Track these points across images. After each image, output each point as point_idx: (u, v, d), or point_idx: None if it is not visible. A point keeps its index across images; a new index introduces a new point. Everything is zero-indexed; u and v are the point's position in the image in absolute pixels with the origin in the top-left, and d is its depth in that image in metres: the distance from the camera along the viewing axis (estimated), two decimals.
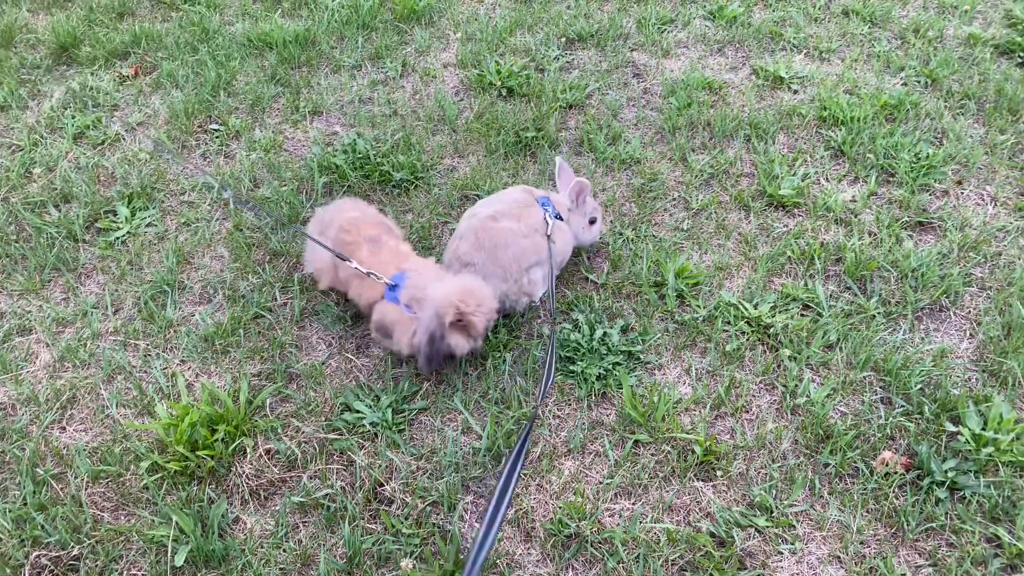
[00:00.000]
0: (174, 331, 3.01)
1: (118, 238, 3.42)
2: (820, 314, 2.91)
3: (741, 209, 3.39)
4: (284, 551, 2.32)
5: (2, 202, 3.58)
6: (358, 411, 2.66)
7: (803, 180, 3.45)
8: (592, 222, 3.08)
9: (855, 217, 3.30)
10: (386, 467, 2.51)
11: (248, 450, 2.57)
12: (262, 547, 2.33)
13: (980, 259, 3.11)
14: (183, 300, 3.14)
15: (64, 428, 2.71)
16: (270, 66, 4.38)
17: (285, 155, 3.82)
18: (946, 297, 2.97)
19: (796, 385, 2.68)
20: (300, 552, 2.31)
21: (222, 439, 2.55)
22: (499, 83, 4.09)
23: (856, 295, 2.99)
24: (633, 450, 2.54)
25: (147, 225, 3.47)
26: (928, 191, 3.42)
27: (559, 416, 2.66)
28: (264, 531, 2.38)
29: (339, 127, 3.99)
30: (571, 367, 2.76)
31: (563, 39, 4.46)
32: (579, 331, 2.85)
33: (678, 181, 3.54)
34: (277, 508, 2.43)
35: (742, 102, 3.95)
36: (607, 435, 2.58)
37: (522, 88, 4.07)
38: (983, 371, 2.73)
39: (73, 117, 4.14)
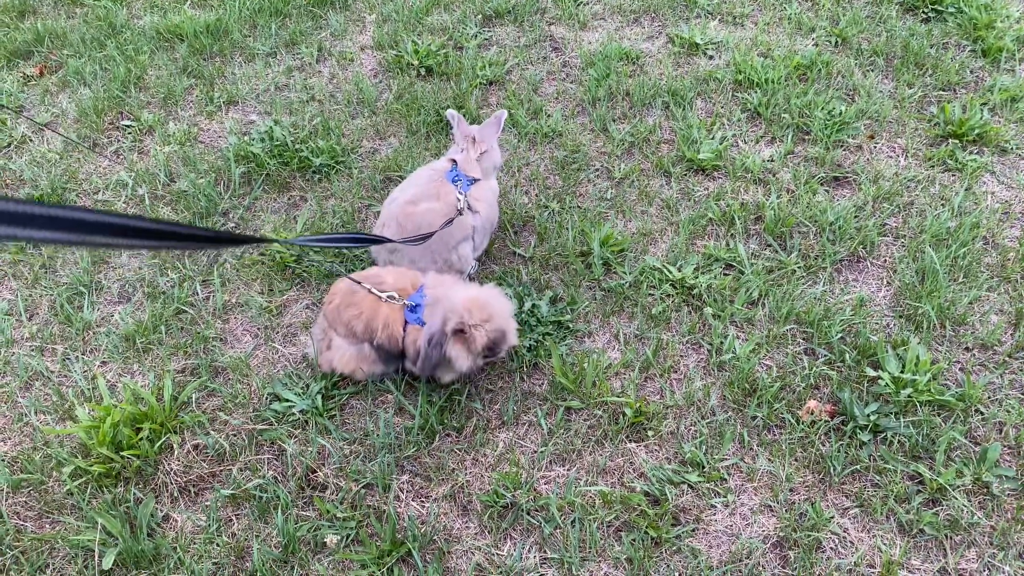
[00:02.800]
0: (93, 333, 2.92)
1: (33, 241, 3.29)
2: (742, 272, 2.96)
3: (663, 175, 3.42)
4: (217, 545, 2.27)
5: None
6: (287, 400, 2.62)
7: (721, 143, 3.49)
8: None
9: (773, 176, 3.36)
10: (318, 453, 2.48)
11: (175, 447, 2.51)
12: (194, 543, 2.28)
13: (894, 209, 3.20)
14: (101, 300, 3.05)
15: None
16: (181, 58, 4.26)
17: (201, 147, 3.72)
18: (863, 248, 3.04)
19: (721, 342, 2.73)
20: (234, 545, 2.27)
21: (147, 438, 2.49)
22: (417, 63, 4.04)
23: (776, 251, 3.05)
24: (565, 417, 2.55)
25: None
26: (842, 147, 3.49)
27: (491, 389, 2.66)
28: (196, 527, 2.33)
29: (255, 116, 3.90)
30: None
31: (480, 16, 4.43)
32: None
33: (600, 152, 3.56)
34: (208, 503, 2.38)
35: (660, 70, 3.98)
36: (539, 405, 2.59)
37: (441, 67, 4.04)
38: (900, 316, 2.81)
39: None
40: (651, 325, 2.81)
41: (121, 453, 2.45)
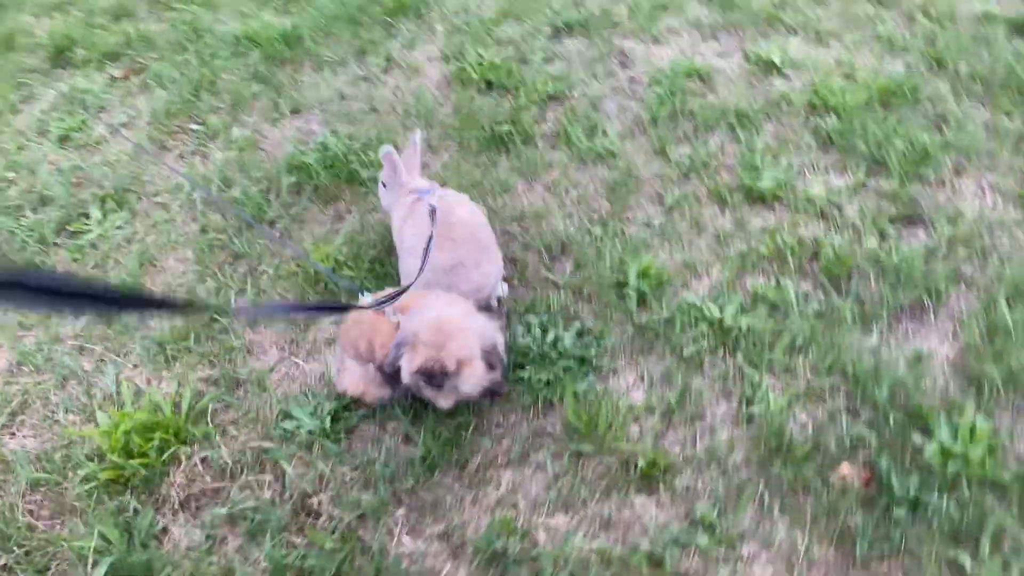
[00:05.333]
0: (131, 336, 2.99)
1: (89, 241, 3.41)
2: (788, 315, 2.73)
3: (718, 204, 3.21)
4: (210, 564, 2.27)
5: None
6: (297, 419, 2.59)
7: (786, 172, 3.25)
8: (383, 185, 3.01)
9: (838, 210, 3.10)
10: (318, 478, 2.44)
11: (184, 459, 2.52)
12: (188, 559, 2.28)
13: (971, 254, 2.89)
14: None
15: (13, 434, 2.70)
16: (253, 64, 4.34)
17: (261, 154, 3.77)
18: (929, 296, 2.76)
19: (754, 392, 2.52)
20: (223, 565, 2.25)
21: (157, 447, 2.51)
22: (478, 76, 3.97)
23: (830, 294, 2.80)
24: (574, 462, 2.41)
25: (117, 228, 3.45)
26: (922, 181, 3.19)
27: (502, 425, 2.55)
28: (192, 542, 2.33)
29: (317, 125, 3.93)
30: (519, 372, 2.64)
31: (550, 29, 4.32)
32: (530, 334, 2.73)
33: (655, 175, 3.38)
34: (206, 519, 2.38)
35: (730, 90, 3.75)
36: (550, 445, 2.46)
37: (502, 81, 3.95)
38: (962, 377, 2.52)
39: (61, 120, 4.17)
40: (681, 368, 2.63)
41: (130, 460, 2.48)
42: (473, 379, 2.31)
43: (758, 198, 3.19)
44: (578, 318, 2.82)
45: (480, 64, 4.03)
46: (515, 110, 3.75)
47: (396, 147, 2.90)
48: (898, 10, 4.11)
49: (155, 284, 3.18)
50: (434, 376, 2.26)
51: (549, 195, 3.34)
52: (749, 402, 2.51)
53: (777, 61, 3.83)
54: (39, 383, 2.84)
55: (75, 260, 3.33)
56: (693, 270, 2.95)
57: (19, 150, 4.00)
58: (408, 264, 2.75)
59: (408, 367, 2.28)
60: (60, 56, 4.72)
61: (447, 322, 2.28)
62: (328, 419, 2.56)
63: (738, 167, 3.33)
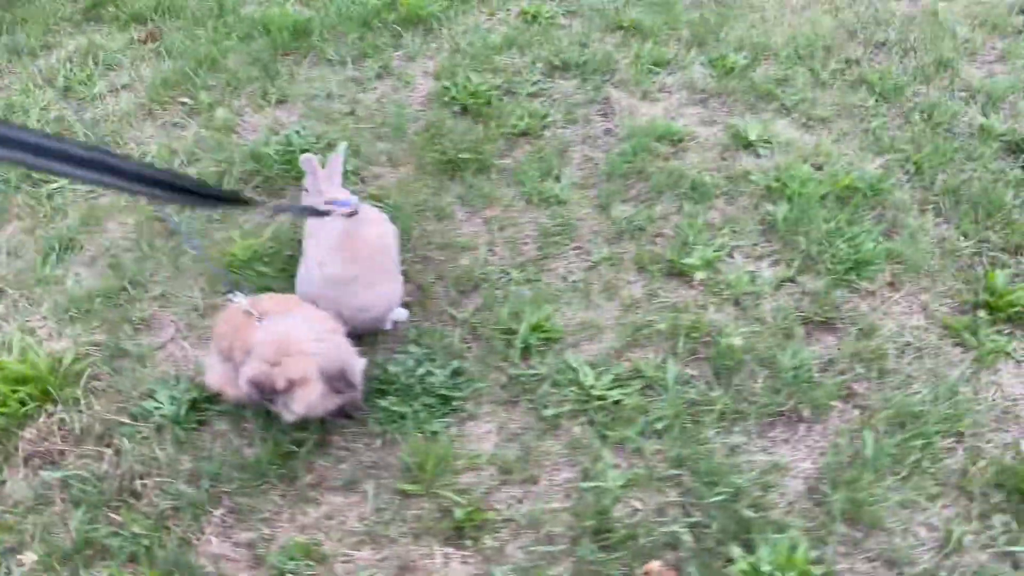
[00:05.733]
0: (48, 289, 3.12)
1: (48, 191, 3.58)
2: (659, 397, 2.68)
3: (638, 271, 3.17)
4: (27, 522, 2.35)
5: None
6: (158, 400, 2.67)
7: (716, 252, 3.19)
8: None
9: (754, 302, 3.03)
10: (151, 461, 2.50)
11: (44, 417, 2.62)
12: (10, 513, 2.38)
13: (870, 373, 2.79)
14: (75, 259, 3.25)
15: None
16: (258, 50, 4.47)
17: (233, 137, 3.89)
18: (809, 408, 2.67)
19: (595, 467, 2.49)
20: (39, 526, 2.34)
21: (20, 399, 2.62)
22: (459, 99, 4.00)
23: (711, 385, 2.74)
24: (398, 499, 2.42)
25: (80, 181, 3.60)
26: (851, 288, 3.09)
27: (344, 448, 2.57)
28: (21, 498, 2.43)
29: (296, 118, 4.02)
30: (380, 400, 2.66)
31: (547, 64, 4.32)
32: (403, 364, 2.75)
33: (591, 230, 3.36)
34: (42, 480, 2.47)
35: (696, 158, 3.70)
36: (381, 478, 2.48)
37: (480, 108, 3.97)
38: (809, 499, 2.44)
39: (71, 72, 4.37)
40: (536, 427, 2.62)
41: None
42: (306, 401, 2.34)
43: (678, 273, 3.14)
44: (460, 357, 2.83)
45: (464, 88, 4.06)
46: (482, 139, 3.77)
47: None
48: (898, 108, 3.98)
49: (90, 243, 3.31)
50: (263, 391, 2.30)
51: (483, 229, 3.35)
52: (587, 475, 2.48)
53: (754, 137, 3.75)
54: None
55: (29, 206, 3.49)
56: (587, 332, 2.92)
57: (22, 92, 4.22)
58: (302, 271, 2.81)
59: (243, 375, 2.32)
60: (93, 10, 4.95)
61: (290, 340, 2.32)
62: (185, 407, 2.63)
63: (671, 238, 3.28)
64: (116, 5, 4.92)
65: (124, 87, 4.30)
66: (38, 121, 3.97)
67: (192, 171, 3.62)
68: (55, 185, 3.58)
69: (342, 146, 3.02)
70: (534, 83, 4.20)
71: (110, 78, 4.37)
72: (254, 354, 2.32)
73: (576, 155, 3.76)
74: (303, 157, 2.92)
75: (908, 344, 2.89)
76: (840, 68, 4.26)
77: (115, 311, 3.01)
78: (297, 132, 3.79)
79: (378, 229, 2.87)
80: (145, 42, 4.68)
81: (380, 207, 3.39)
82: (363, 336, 2.82)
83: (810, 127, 3.91)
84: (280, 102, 4.15)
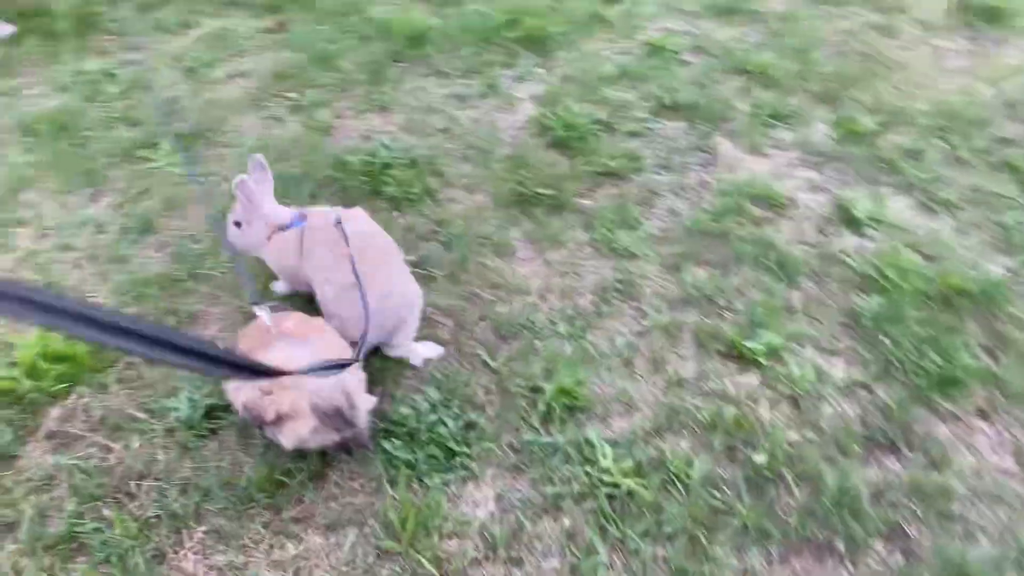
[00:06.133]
0: (117, 267, 3.23)
1: (151, 168, 3.72)
2: (679, 497, 2.44)
3: (694, 345, 2.92)
4: (28, 500, 2.43)
5: (93, 108, 4.05)
6: (178, 400, 2.69)
7: (786, 339, 2.89)
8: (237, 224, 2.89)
9: (815, 406, 2.71)
10: (153, 463, 2.52)
11: (73, 397, 2.71)
12: (19, 487, 2.46)
13: (929, 513, 2.42)
14: (148, 241, 3.36)
15: None
16: (374, 53, 4.48)
17: (327, 140, 3.91)
18: (846, 542, 2.35)
19: (587, 561, 2.29)
20: (37, 507, 2.41)
21: (56, 376, 2.72)
22: (555, 129, 3.85)
23: (740, 494, 2.47)
24: (374, 553, 2.33)
25: (172, 166, 3.72)
26: (930, 408, 2.71)
27: (339, 485, 2.50)
28: (33, 475, 2.50)
29: (392, 128, 4.00)
30: (385, 442, 2.57)
31: (656, 103, 4.09)
32: (416, 408, 2.64)
33: (656, 291, 3.13)
34: (55, 461, 2.54)
35: (793, 230, 3.37)
36: (366, 526, 2.39)
37: (573, 142, 3.80)
38: None
39: (198, 54, 4.55)
40: (536, 503, 2.44)
41: (29, 380, 2.70)
42: (295, 435, 2.28)
43: (737, 356, 2.87)
44: (479, 409, 2.70)
45: (562, 118, 3.90)
46: (565, 175, 3.60)
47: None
48: None
49: (166, 228, 3.40)
50: (254, 419, 2.26)
51: (541, 272, 3.20)
52: (575, 570, 2.29)
53: (862, 214, 3.38)
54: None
55: (125, 182, 3.64)
56: (620, 405, 2.71)
57: (150, 69, 4.42)
58: (321, 299, 2.74)
59: (238, 397, 2.29)
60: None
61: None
62: (201, 412, 2.64)
63: (739, 315, 3.00)
64: None
65: (241, 74, 4.42)
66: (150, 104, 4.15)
67: (276, 170, 3.65)
68: (153, 165, 3.72)
69: (258, 157, 2.92)
70: (638, 121, 3.99)
71: (232, 63, 4.51)
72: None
73: (661, 206, 3.53)
74: (238, 180, 2.73)
75: (984, 489, 2.50)
76: (985, 147, 3.79)
77: (167, 300, 3.07)
78: (385, 145, 3.76)
79: (368, 226, 2.82)
80: (272, 31, 4.81)
81: (437, 231, 3.32)
82: (387, 368, 2.75)
83: (931, 211, 3.49)
84: (381, 109, 4.14)
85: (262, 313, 2.48)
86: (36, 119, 3.97)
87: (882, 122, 3.88)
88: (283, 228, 2.83)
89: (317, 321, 2.62)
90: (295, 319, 2.55)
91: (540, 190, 3.50)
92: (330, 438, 2.38)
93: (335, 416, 2.30)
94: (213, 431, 2.64)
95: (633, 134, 3.92)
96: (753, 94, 4.12)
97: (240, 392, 2.30)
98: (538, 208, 3.46)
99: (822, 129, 3.91)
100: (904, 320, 2.94)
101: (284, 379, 2.22)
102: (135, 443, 2.57)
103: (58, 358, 2.77)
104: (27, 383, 2.69)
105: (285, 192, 3.48)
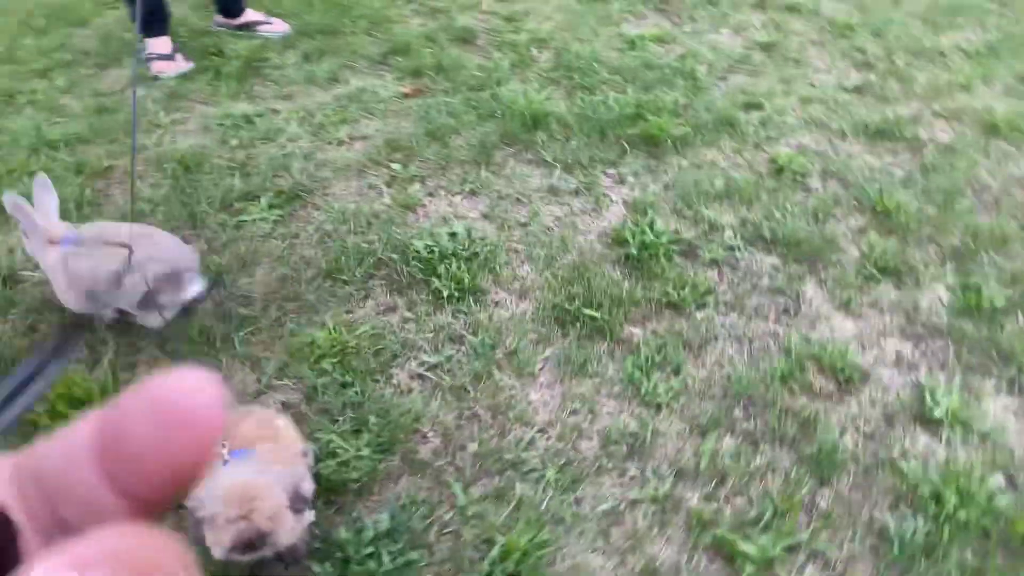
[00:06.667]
0: None
1: (240, 221, 3.94)
2: None
3: (686, 531, 2.59)
4: None
5: (221, 151, 4.37)
6: None
7: (786, 549, 2.49)
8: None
9: None
10: None
11: None
12: None
13: None
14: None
15: None
16: (488, 131, 4.48)
17: (408, 217, 3.94)
18: None
19: None
20: None
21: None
22: (631, 244, 3.63)
23: None
24: None
25: (265, 220, 3.91)
26: None
27: None
28: None
29: (475, 214, 3.96)
30: (316, 565, 2.50)
31: (754, 231, 3.73)
32: (358, 532, 2.56)
33: (667, 455, 2.83)
34: None
35: (852, 414, 2.92)
36: None
37: (645, 262, 3.55)
38: None
39: (328, 113, 4.78)
40: None
41: None
42: (287, 530, 2.25)
43: (726, 557, 2.51)
44: (425, 549, 2.56)
45: (642, 233, 3.66)
46: (619, 300, 3.37)
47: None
48: None
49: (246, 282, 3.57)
50: (253, 544, 2.23)
51: (552, 405, 3.00)
52: None
53: (942, 412, 2.86)
54: None
55: (229, 236, 3.88)
56: None
57: (283, 119, 4.70)
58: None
59: (220, 549, 2.27)
60: (391, 54, 5.36)
61: (248, 483, 2.23)
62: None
63: (748, 505, 2.63)
64: (408, 54, 5.27)
65: (362, 138, 4.58)
66: (269, 157, 4.39)
67: (352, 242, 3.72)
68: (247, 217, 3.94)
69: (41, 178, 2.99)
70: (726, 248, 3.66)
71: (358, 125, 4.68)
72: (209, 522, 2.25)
73: (714, 352, 3.20)
74: (7, 200, 2.93)
75: None
76: None
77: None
78: (452, 234, 3.72)
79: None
80: (407, 97, 4.95)
81: (466, 336, 3.22)
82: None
83: None
84: (472, 193, 4.11)
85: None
86: (170, 156, 4.34)
87: (1014, 300, 3.28)
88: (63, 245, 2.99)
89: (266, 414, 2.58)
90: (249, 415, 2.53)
91: (587, 310, 3.30)
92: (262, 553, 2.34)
93: (297, 498, 2.27)
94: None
95: (713, 262, 3.59)
96: (869, 237, 3.64)
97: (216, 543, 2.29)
98: (578, 329, 3.26)
99: (937, 294, 3.37)
100: (945, 558, 2.44)
101: (252, 486, 2.21)
102: None
103: (75, 400, 2.98)
104: None
105: (340, 269, 3.56)
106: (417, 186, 4.15)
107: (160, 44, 5.30)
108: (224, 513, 2.16)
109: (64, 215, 3.20)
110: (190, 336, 3.17)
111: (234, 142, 4.50)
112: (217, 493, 2.21)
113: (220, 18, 5.80)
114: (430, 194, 4.12)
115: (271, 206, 3.98)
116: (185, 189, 4.11)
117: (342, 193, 4.13)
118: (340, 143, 4.52)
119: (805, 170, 4.08)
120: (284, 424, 2.56)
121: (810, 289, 3.44)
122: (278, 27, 5.73)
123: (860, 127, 4.43)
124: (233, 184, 4.15)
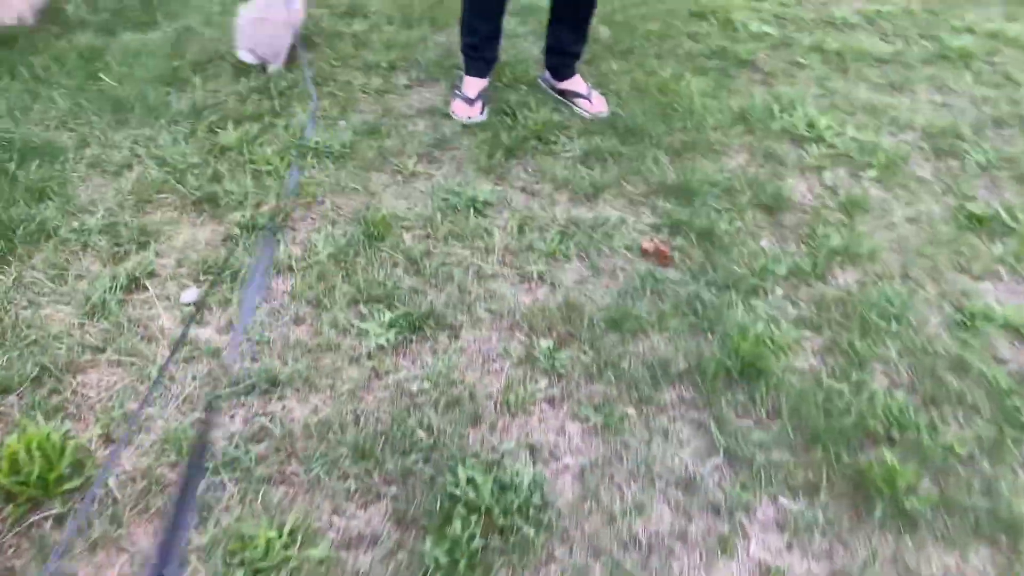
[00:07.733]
0: None
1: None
2: None
3: None
4: None
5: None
6: None
7: None
8: None
9: None
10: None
11: None
12: None
13: None
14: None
15: None
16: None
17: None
18: None
19: None
20: None
21: None
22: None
23: None
24: None
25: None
26: None
27: None
28: None
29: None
30: None
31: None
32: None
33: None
34: None
35: None
36: None
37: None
38: None
39: (556, 235, 4.11)
40: None
41: None
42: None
43: None
44: None
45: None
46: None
47: None
48: None
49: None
50: None
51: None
52: None
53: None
54: None
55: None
56: None
57: (494, 222, 4.15)
58: None
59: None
60: (668, 193, 4.47)
61: None
62: None
63: None
64: (690, 197, 4.38)
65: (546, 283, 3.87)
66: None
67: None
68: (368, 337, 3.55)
69: None
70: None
71: (557, 274, 3.93)
72: None
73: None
74: None
75: None
76: None
77: None
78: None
79: None
80: (648, 253, 4.07)
81: None
82: None
83: None
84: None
85: None
86: (373, 218, 4.10)
87: None
88: None
89: None
90: None
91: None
92: None
93: None
94: None
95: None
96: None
97: None
98: None
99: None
100: None
101: None
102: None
103: None
104: None
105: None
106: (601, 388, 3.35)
107: (471, 85, 5.07)
108: None
109: None
110: None
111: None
112: None
113: (547, 75, 5.40)
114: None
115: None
116: None
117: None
118: (524, 279, 3.87)
119: None
120: None
121: None
122: (596, 107, 5.14)
123: None
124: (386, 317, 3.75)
